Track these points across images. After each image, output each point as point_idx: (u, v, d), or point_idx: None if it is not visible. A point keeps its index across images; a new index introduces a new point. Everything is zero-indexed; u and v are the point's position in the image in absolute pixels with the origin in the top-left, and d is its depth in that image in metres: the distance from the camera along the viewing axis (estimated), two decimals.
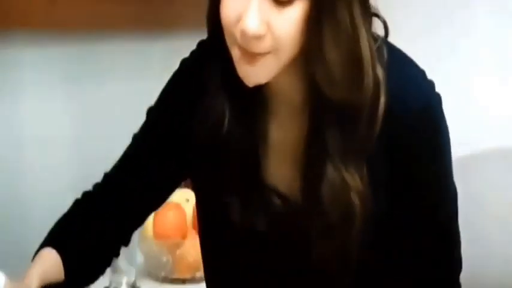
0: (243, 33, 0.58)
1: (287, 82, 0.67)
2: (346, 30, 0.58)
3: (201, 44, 0.78)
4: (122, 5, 1.30)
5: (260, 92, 0.68)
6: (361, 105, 0.62)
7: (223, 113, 0.68)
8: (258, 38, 0.58)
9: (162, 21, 1.46)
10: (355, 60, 0.60)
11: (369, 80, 0.61)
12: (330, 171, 0.63)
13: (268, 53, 0.60)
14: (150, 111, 0.82)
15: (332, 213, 0.64)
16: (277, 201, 0.71)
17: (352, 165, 0.63)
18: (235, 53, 0.61)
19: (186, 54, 0.81)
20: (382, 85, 0.63)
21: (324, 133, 0.64)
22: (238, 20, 0.58)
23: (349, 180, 0.63)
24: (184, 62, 0.80)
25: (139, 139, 0.82)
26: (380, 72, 0.63)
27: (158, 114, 0.81)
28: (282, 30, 0.58)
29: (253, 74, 0.62)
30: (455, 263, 0.73)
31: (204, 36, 0.72)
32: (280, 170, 0.72)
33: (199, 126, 0.71)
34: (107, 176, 0.83)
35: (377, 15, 0.65)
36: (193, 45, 0.80)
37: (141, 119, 0.82)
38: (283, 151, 0.71)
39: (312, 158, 0.66)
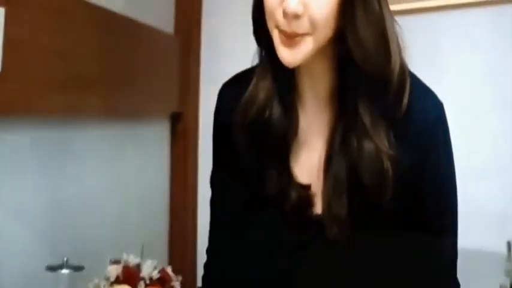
0: (284, 13, 0.66)
1: (319, 67, 0.75)
2: (374, 10, 0.68)
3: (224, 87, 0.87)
4: (91, 93, 1.32)
5: (293, 82, 0.78)
6: (390, 77, 0.71)
7: (266, 98, 0.76)
8: (297, 17, 0.66)
9: (131, 109, 1.51)
10: (384, 36, 0.69)
11: (395, 55, 0.71)
12: (365, 141, 0.71)
13: (306, 34, 0.68)
14: (213, 177, 0.87)
15: (367, 179, 0.72)
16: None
17: (382, 133, 0.71)
18: (275, 36, 0.70)
19: (154, 141, 0.84)
20: (405, 64, 0.73)
21: (357, 108, 0.72)
22: (280, 3, 0.67)
23: (381, 146, 0.71)
24: (216, 110, 0.87)
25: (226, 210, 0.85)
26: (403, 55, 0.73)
27: (223, 175, 0.85)
28: (318, 11, 0.67)
29: (291, 56, 0.70)
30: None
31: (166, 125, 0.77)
32: (303, 155, 0.79)
33: (243, 112, 0.77)
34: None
35: None
36: (160, 131, 0.82)
37: (114, 205, 0.80)
38: (307, 139, 0.79)
39: (345, 133, 0.73)
